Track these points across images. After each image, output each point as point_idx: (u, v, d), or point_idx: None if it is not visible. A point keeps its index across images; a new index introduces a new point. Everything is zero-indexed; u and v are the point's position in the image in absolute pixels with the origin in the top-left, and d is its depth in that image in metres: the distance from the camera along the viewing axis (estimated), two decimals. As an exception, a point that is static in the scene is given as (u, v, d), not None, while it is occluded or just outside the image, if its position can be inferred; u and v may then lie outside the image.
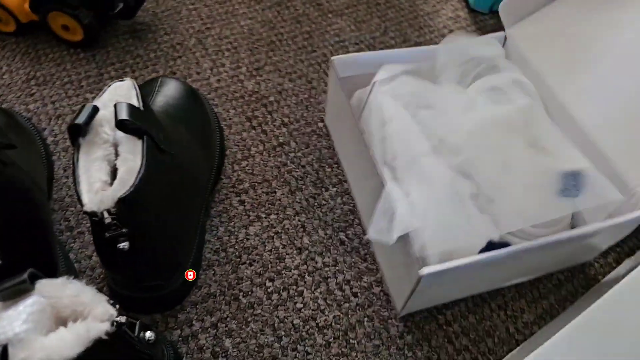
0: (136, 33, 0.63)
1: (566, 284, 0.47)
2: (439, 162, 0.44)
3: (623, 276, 0.40)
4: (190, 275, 0.42)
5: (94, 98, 0.57)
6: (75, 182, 0.34)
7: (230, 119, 0.56)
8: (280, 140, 0.55)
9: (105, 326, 0.27)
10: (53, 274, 0.41)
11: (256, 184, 0.51)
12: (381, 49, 0.64)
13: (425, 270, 0.35)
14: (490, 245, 0.40)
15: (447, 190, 0.42)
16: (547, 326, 0.44)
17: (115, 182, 0.34)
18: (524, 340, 0.43)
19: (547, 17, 0.55)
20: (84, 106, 0.35)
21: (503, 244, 0.38)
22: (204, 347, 0.41)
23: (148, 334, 0.31)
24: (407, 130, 0.45)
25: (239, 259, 0.46)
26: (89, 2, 0.57)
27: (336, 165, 0.53)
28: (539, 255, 0.41)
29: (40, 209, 0.41)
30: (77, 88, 0.57)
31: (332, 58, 0.48)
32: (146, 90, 0.50)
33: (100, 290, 0.44)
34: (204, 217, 0.48)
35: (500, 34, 0.56)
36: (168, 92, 0.50)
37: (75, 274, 0.44)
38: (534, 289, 0.47)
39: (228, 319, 0.43)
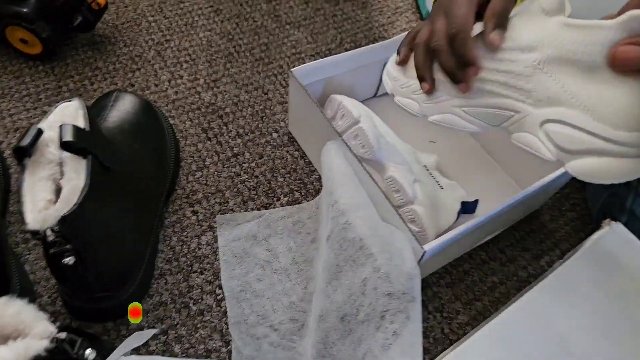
0: (96, 45, 0.64)
1: (500, 287, 0.51)
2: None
3: None
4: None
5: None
6: (20, 202, 0.35)
7: (186, 130, 0.58)
8: (235, 151, 0.57)
9: (44, 343, 0.29)
10: (6, 287, 0.42)
11: (210, 195, 0.53)
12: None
13: (427, 246, 0.40)
14: (463, 204, 0.52)
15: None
16: (479, 326, 0.47)
17: (59, 201, 0.36)
18: (457, 340, 0.46)
19: None
20: (29, 128, 0.37)
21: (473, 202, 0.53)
22: (154, 353, 0.43)
23: (88, 351, 0.33)
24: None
25: (190, 268, 0.48)
26: (47, 16, 0.58)
27: (288, 174, 0.56)
28: (510, 212, 0.48)
29: (-7, 224, 0.43)
30: (35, 101, 0.58)
31: (292, 70, 0.51)
32: (101, 104, 0.52)
33: (54, 300, 0.46)
34: (157, 228, 0.50)
35: None
36: (123, 106, 0.52)
37: (30, 286, 0.46)
38: (469, 291, 0.50)
39: (178, 325, 0.45)
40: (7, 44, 0.60)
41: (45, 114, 0.58)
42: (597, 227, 0.44)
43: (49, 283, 0.46)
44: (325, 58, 0.54)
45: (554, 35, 0.32)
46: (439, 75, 0.39)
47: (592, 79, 0.31)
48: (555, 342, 0.38)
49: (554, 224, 0.56)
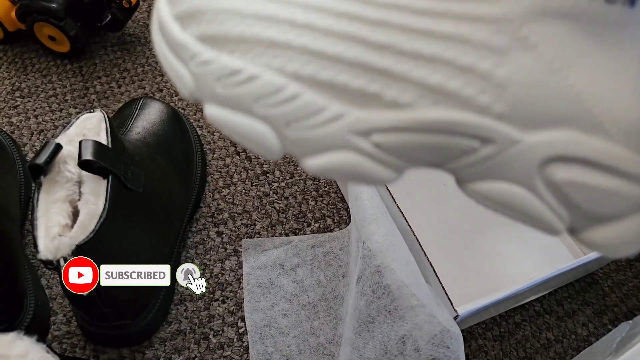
0: (125, 45, 0.61)
1: (555, 345, 0.45)
2: None
3: (619, 341, 0.37)
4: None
5: (77, 113, 0.56)
6: (33, 226, 0.32)
7: (214, 142, 0.54)
8: (265, 169, 0.53)
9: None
10: (20, 303, 0.40)
11: (236, 215, 0.49)
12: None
13: (461, 310, 0.36)
14: None
15: None
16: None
17: (75, 227, 0.32)
18: (503, 400, 0.42)
19: None
20: (46, 143, 0.33)
21: None
22: (169, 389, 0.40)
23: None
24: None
25: (212, 295, 0.45)
26: (75, 13, 0.55)
27: (320, 198, 0.52)
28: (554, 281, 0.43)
29: (7, 239, 0.40)
30: (61, 102, 0.56)
31: None
32: (125, 112, 0.49)
33: (70, 319, 0.43)
34: (179, 248, 0.46)
35: None
36: (148, 116, 0.48)
37: (46, 302, 0.43)
38: (520, 348, 0.45)
39: (196, 359, 0.42)
40: (36, 39, 0.58)
41: (69, 115, 0.55)
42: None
43: (65, 300, 0.43)
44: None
45: None
46: None
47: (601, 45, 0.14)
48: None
49: (620, 275, 0.50)
